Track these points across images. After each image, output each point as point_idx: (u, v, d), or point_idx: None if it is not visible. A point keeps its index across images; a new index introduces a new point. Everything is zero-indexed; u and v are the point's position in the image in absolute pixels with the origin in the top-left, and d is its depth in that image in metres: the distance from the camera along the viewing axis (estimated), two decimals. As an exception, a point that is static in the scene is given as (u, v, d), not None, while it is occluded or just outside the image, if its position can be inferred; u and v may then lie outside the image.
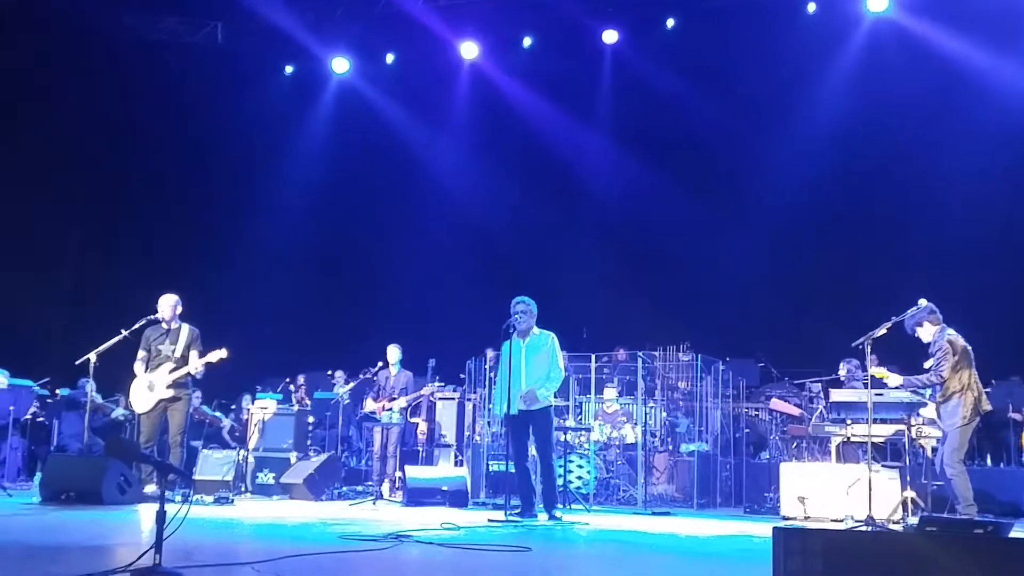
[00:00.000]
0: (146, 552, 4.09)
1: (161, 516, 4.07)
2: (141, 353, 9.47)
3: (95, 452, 9.52)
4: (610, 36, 15.85)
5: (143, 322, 9.42)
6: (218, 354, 9.34)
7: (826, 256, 14.49)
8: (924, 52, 13.52)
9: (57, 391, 12.17)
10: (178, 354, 9.39)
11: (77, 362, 9.20)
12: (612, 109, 16.35)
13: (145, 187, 15.94)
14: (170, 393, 9.33)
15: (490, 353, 12.44)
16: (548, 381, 8.66)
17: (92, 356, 9.07)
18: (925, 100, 13.44)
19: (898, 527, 7.53)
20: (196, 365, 9.34)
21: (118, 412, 11.72)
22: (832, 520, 8.73)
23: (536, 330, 8.82)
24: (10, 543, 5.68)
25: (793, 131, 14.53)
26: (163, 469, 4.18)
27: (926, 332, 8.13)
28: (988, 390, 11.93)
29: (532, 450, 9.34)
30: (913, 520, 7.29)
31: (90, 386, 9.74)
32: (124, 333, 9.30)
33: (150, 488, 8.78)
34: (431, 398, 12.49)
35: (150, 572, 3.98)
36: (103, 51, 15.13)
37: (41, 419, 11.97)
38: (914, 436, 8.92)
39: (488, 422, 12.38)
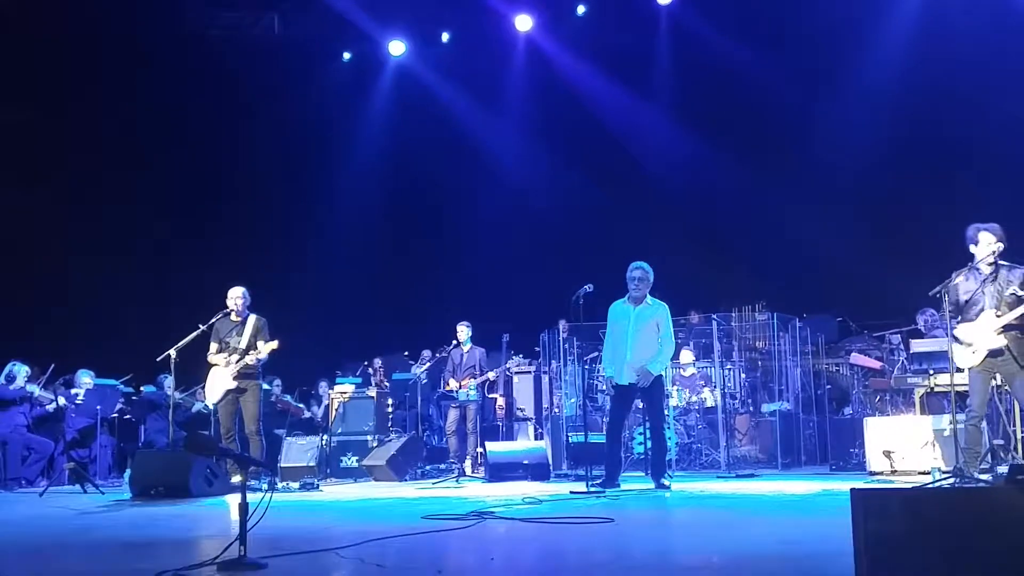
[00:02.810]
0: (231, 544, 4.17)
1: (244, 508, 4.14)
2: (213, 346, 9.60)
3: (181, 446, 9.74)
4: (664, -3, 15.67)
5: (219, 316, 9.57)
6: (270, 346, 9.38)
7: (898, 204, 14.09)
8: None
9: (141, 388, 12.47)
10: (243, 345, 9.45)
11: (158, 359, 9.41)
12: (668, 71, 16.12)
13: (215, 182, 16.21)
14: (235, 384, 9.42)
15: (563, 324, 12.45)
16: (660, 355, 8.65)
17: (172, 352, 9.26)
18: (989, 42, 12.96)
19: (987, 476, 7.36)
20: (254, 355, 9.38)
21: (199, 406, 11.96)
22: (920, 473, 8.58)
23: (649, 299, 8.78)
24: (104, 539, 5.85)
25: (856, 81, 14.20)
26: (243, 462, 4.26)
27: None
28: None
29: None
30: (1002, 469, 7.09)
31: (169, 381, 9.95)
32: (201, 327, 9.45)
33: (237, 478, 8.89)
34: (508, 372, 12.56)
35: (236, 564, 4.05)
36: (164, 48, 15.36)
37: (128, 416, 12.27)
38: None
39: (565, 393, 12.39)
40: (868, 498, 3.19)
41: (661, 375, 8.77)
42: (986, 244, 7.26)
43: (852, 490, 3.26)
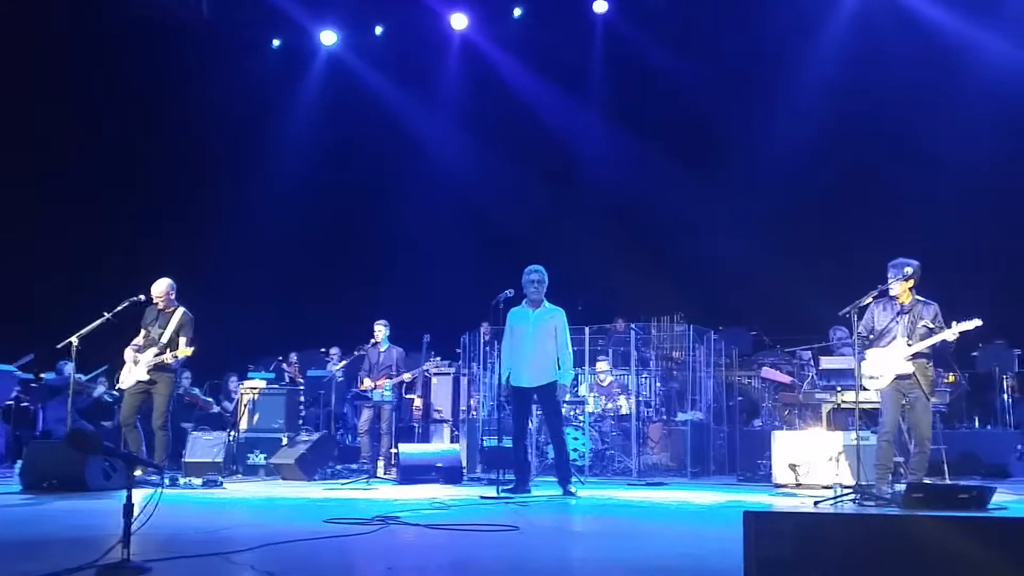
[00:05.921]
0: (114, 546, 4.00)
1: (128, 509, 3.98)
2: (142, 333, 9.30)
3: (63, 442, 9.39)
4: (600, 6, 15.72)
5: (126, 304, 9.25)
6: (186, 352, 9.10)
7: (817, 223, 14.41)
8: (912, 18, 13.44)
9: (41, 375, 12.05)
10: (164, 339, 9.15)
11: (59, 345, 9.09)
12: (603, 80, 16.27)
13: (132, 166, 15.78)
14: (148, 377, 9.12)
15: (485, 327, 12.39)
16: (564, 366, 8.73)
17: (74, 339, 8.95)
18: (915, 67, 13.37)
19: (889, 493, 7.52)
20: (172, 356, 9.08)
21: (100, 391, 11.59)
22: (823, 487, 8.71)
23: (546, 304, 8.82)
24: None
25: (784, 101, 14.46)
26: (129, 461, 4.11)
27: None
28: (975, 354, 12.03)
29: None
30: (900, 487, 7.28)
31: (69, 368, 9.62)
32: (107, 315, 9.15)
33: (138, 472, 8.66)
34: (426, 373, 12.47)
35: (117, 567, 3.88)
36: (86, 28, 14.91)
37: (25, 404, 11.84)
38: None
39: (484, 396, 12.34)
40: (760, 520, 3.18)
41: (556, 381, 8.74)
42: (906, 280, 7.73)
43: (745, 512, 3.25)
